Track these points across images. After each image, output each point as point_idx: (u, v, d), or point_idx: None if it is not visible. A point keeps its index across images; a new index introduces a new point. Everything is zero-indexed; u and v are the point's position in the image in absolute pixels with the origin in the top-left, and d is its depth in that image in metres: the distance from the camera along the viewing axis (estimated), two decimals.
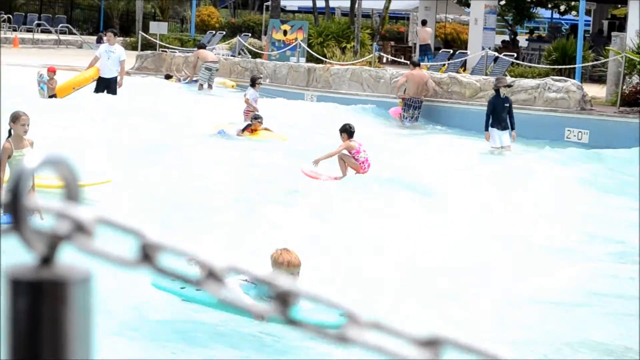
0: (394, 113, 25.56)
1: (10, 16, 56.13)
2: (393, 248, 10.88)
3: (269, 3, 41.05)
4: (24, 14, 59.32)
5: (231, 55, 34.97)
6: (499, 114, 20.53)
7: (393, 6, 37.31)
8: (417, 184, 15.04)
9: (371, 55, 30.19)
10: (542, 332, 8.54)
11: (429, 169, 16.85)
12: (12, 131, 11.54)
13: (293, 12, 51.27)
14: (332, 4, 37.66)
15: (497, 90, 20.84)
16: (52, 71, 24.09)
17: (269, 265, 7.36)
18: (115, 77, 23.58)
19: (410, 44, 43.96)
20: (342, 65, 29.33)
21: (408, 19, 50.10)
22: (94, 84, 24.20)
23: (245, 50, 35.96)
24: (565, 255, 11.37)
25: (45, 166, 1.12)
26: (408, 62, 28.99)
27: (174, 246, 1.03)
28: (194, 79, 31.20)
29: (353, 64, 29.35)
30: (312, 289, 1.12)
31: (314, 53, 31.27)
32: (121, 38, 54.46)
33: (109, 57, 23.60)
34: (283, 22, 34.38)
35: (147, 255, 1.06)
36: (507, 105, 20.73)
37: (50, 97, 23.59)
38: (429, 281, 9.55)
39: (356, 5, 33.70)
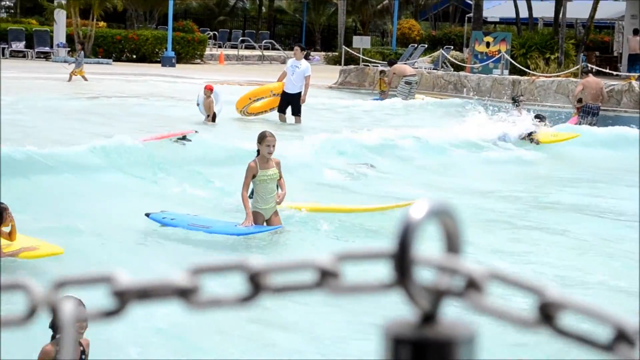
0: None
1: (216, 33, 57.74)
2: None
3: (471, 15, 40.77)
4: (228, 30, 60.93)
5: (433, 69, 34.82)
6: None
7: (597, 15, 36.40)
8: None
9: (577, 67, 29.52)
10: None
11: None
12: (259, 151, 11.39)
13: (494, 23, 50.81)
14: (535, 14, 37.08)
15: None
16: (208, 89, 21.53)
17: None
18: (299, 93, 22.52)
19: (615, 53, 42.88)
20: (547, 77, 28.78)
21: (612, 27, 48.91)
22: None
23: (447, 63, 35.77)
24: None
25: (430, 217, 1.04)
26: (614, 73, 28.34)
27: (579, 305, 0.94)
28: (395, 94, 30.22)
29: (558, 76, 28.76)
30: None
31: (517, 64, 30.81)
32: (322, 52, 55.49)
33: (294, 72, 22.57)
34: (485, 34, 34.02)
35: (547, 315, 0.97)
36: None
37: (211, 118, 21.49)
38: None
39: (560, 15, 33.07)
